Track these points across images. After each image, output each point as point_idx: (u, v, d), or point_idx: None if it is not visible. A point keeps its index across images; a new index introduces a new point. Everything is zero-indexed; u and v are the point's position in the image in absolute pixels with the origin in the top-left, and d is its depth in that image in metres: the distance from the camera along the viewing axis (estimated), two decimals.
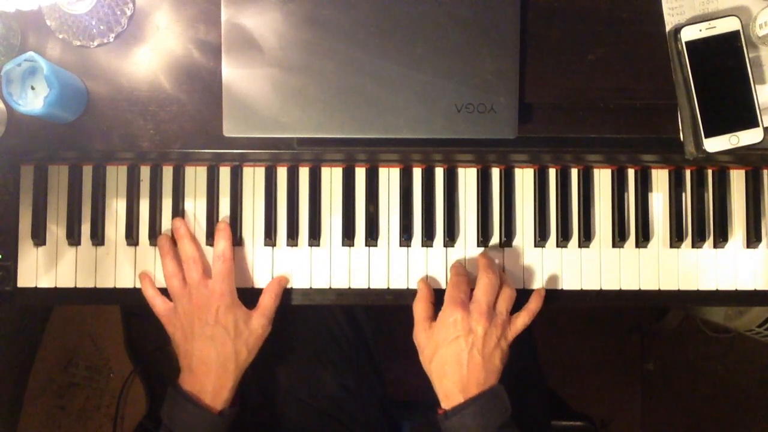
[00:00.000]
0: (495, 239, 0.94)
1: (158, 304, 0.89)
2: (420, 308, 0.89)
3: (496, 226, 0.94)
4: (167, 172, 0.94)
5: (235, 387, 0.87)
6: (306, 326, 1.06)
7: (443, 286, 0.94)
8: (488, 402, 0.83)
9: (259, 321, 0.88)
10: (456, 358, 0.84)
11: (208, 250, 0.93)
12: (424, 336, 0.88)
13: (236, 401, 0.88)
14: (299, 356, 1.04)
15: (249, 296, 0.90)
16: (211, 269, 0.89)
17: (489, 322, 0.85)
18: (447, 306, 0.86)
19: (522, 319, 0.88)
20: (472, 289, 0.88)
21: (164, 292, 0.91)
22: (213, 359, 0.85)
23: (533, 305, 0.90)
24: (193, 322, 0.86)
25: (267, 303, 0.90)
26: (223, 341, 0.85)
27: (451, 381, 0.84)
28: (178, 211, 0.93)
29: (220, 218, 0.93)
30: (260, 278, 0.93)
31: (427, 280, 0.94)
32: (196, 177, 0.94)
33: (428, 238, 0.93)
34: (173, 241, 0.91)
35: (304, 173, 0.94)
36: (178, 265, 0.89)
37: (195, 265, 0.88)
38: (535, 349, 1.15)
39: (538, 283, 0.94)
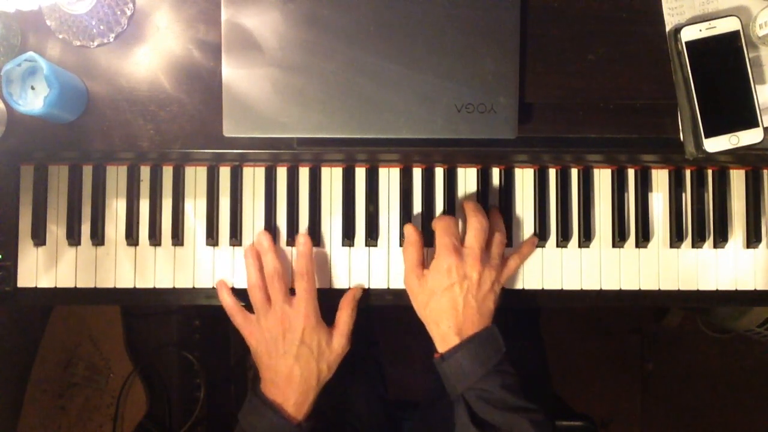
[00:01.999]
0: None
1: (237, 316, 0.90)
2: (410, 253, 0.89)
3: None
4: (167, 172, 0.94)
5: (315, 401, 0.88)
6: None
7: None
8: (483, 342, 0.84)
9: (339, 341, 0.89)
10: (451, 304, 0.85)
11: (209, 250, 0.93)
12: (417, 283, 0.88)
13: (312, 416, 0.89)
14: None
15: (243, 296, 0.90)
16: (294, 286, 0.89)
17: (483, 267, 0.85)
18: (440, 253, 0.86)
19: (514, 262, 0.90)
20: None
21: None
22: (297, 376, 0.86)
23: (525, 249, 0.91)
24: (277, 340, 0.87)
25: (344, 321, 0.90)
26: (307, 360, 0.87)
27: (446, 325, 0.85)
28: (178, 211, 0.93)
29: (219, 218, 0.93)
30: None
31: (415, 225, 0.92)
32: (196, 177, 0.94)
33: (428, 238, 0.93)
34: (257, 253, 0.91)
35: (304, 173, 0.94)
36: (262, 279, 0.89)
37: (279, 282, 0.88)
38: (543, 352, 1.15)
39: (538, 283, 0.94)
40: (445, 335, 0.85)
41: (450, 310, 0.85)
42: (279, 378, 0.87)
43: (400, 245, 0.94)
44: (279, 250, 0.92)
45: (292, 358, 0.86)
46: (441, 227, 0.87)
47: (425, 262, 0.89)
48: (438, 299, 0.85)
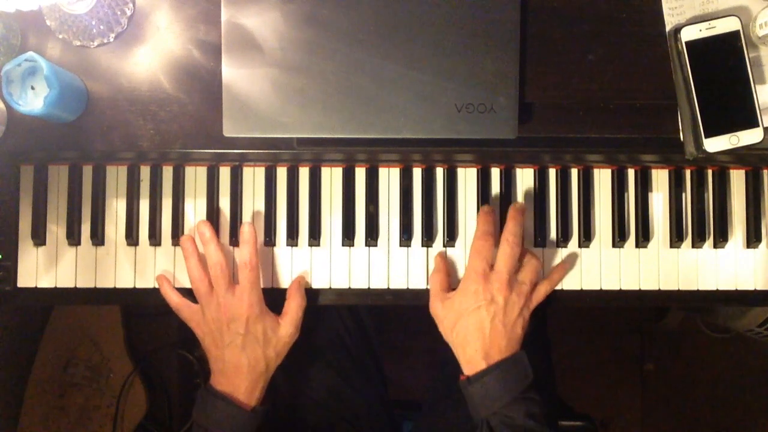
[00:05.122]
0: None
1: (183, 309, 0.90)
2: (436, 280, 0.90)
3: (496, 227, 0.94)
4: (167, 172, 0.94)
5: (265, 386, 0.89)
6: (311, 324, 1.06)
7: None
8: (510, 368, 0.84)
9: (286, 329, 0.89)
10: (478, 326, 0.85)
11: None
12: (441, 307, 0.88)
13: (266, 400, 0.90)
14: (304, 355, 1.04)
15: None
16: (238, 276, 0.89)
17: (510, 292, 0.85)
18: (468, 275, 0.87)
19: (544, 288, 0.89)
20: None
21: (181, 291, 0.91)
22: (245, 364, 0.87)
23: (556, 276, 0.91)
24: (222, 331, 0.87)
25: (293, 309, 0.90)
26: (253, 348, 0.87)
27: (473, 348, 0.85)
28: (178, 211, 0.93)
29: (219, 218, 0.93)
30: (260, 278, 0.93)
31: (443, 254, 0.93)
32: (196, 177, 0.94)
33: (428, 238, 0.93)
34: (195, 242, 0.91)
35: (304, 173, 0.94)
36: (204, 269, 0.89)
37: (222, 272, 0.88)
38: (549, 352, 1.15)
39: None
40: (471, 359, 0.85)
41: (477, 332, 0.85)
42: (227, 367, 0.87)
43: (401, 245, 0.94)
44: (222, 244, 0.91)
45: (238, 347, 0.86)
46: (475, 248, 0.87)
47: (450, 288, 0.90)
48: (465, 321, 0.85)
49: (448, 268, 0.91)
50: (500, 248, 0.87)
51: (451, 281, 0.92)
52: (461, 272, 0.93)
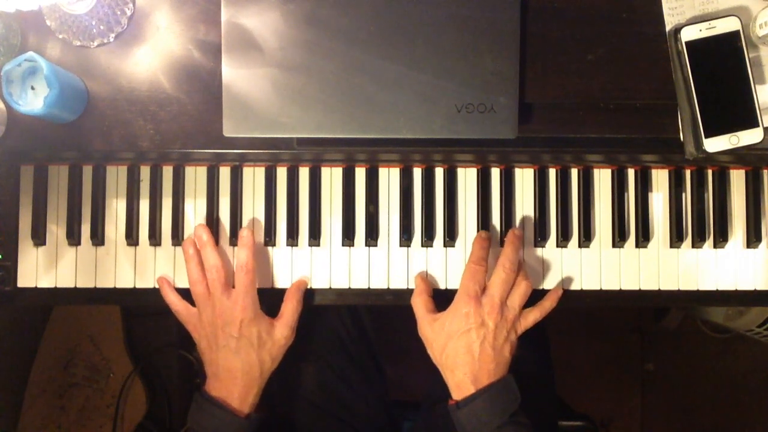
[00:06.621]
0: (495, 239, 0.94)
1: (182, 311, 0.90)
2: (420, 303, 0.90)
3: (497, 227, 0.94)
4: (167, 172, 0.94)
5: (260, 392, 0.88)
6: (310, 325, 1.06)
7: (442, 286, 0.94)
8: (499, 392, 0.84)
9: (281, 331, 0.89)
10: (467, 350, 0.85)
11: None
12: (430, 329, 0.88)
13: (262, 407, 0.89)
14: (303, 356, 1.04)
15: None
16: (235, 279, 0.89)
17: (500, 316, 0.86)
18: (460, 297, 0.87)
19: (534, 315, 0.89)
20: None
21: (181, 291, 0.91)
22: (238, 368, 0.86)
23: (548, 303, 0.91)
24: (217, 333, 0.87)
25: (289, 312, 0.90)
26: (247, 352, 0.86)
27: (462, 372, 0.85)
28: (178, 211, 0.93)
29: (219, 218, 0.93)
30: (260, 278, 0.93)
31: (423, 274, 0.94)
32: (196, 177, 0.94)
33: (428, 238, 0.93)
34: (196, 246, 0.91)
35: (304, 173, 0.94)
36: (202, 272, 0.89)
37: (218, 274, 0.88)
38: (548, 352, 1.15)
39: (538, 283, 0.94)
40: (460, 383, 0.85)
41: (466, 355, 0.85)
42: (221, 371, 0.87)
43: (401, 245, 0.94)
44: (220, 248, 0.92)
45: (231, 350, 0.86)
46: (468, 272, 0.88)
47: (434, 308, 0.90)
48: (455, 343, 0.86)
49: (429, 288, 0.91)
50: (495, 273, 0.87)
51: (440, 282, 0.92)
52: (460, 271, 0.93)
